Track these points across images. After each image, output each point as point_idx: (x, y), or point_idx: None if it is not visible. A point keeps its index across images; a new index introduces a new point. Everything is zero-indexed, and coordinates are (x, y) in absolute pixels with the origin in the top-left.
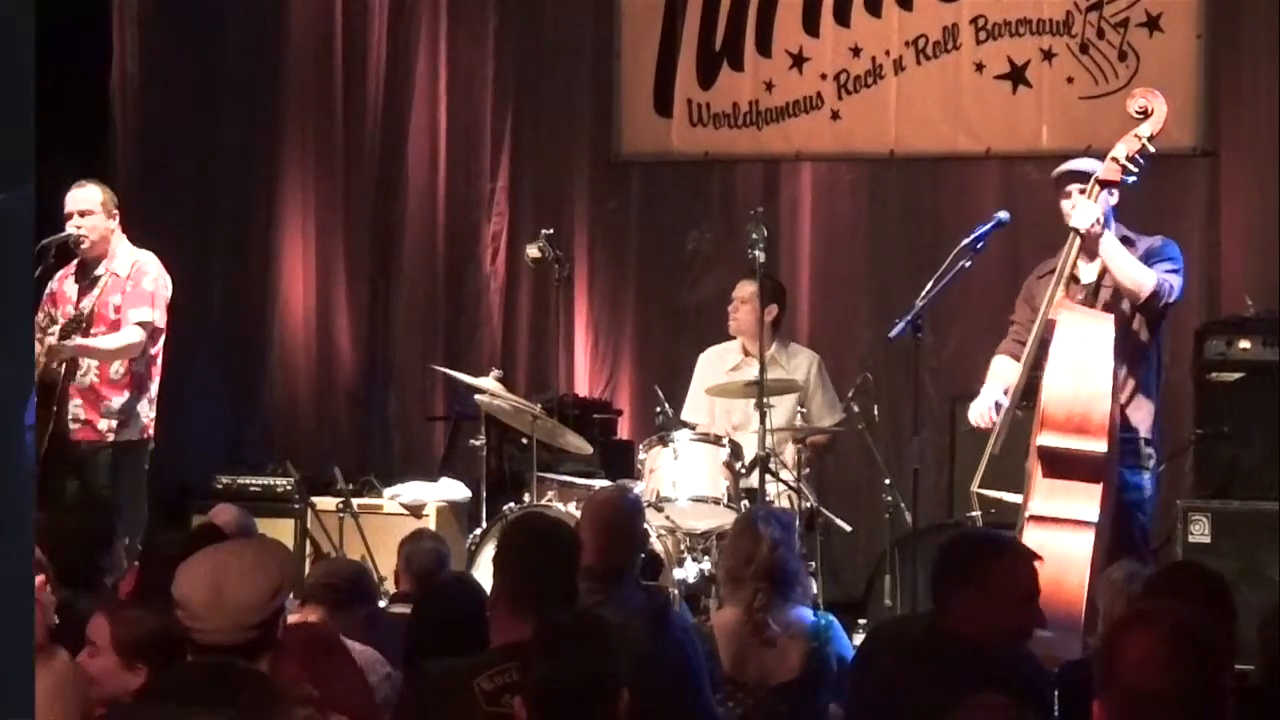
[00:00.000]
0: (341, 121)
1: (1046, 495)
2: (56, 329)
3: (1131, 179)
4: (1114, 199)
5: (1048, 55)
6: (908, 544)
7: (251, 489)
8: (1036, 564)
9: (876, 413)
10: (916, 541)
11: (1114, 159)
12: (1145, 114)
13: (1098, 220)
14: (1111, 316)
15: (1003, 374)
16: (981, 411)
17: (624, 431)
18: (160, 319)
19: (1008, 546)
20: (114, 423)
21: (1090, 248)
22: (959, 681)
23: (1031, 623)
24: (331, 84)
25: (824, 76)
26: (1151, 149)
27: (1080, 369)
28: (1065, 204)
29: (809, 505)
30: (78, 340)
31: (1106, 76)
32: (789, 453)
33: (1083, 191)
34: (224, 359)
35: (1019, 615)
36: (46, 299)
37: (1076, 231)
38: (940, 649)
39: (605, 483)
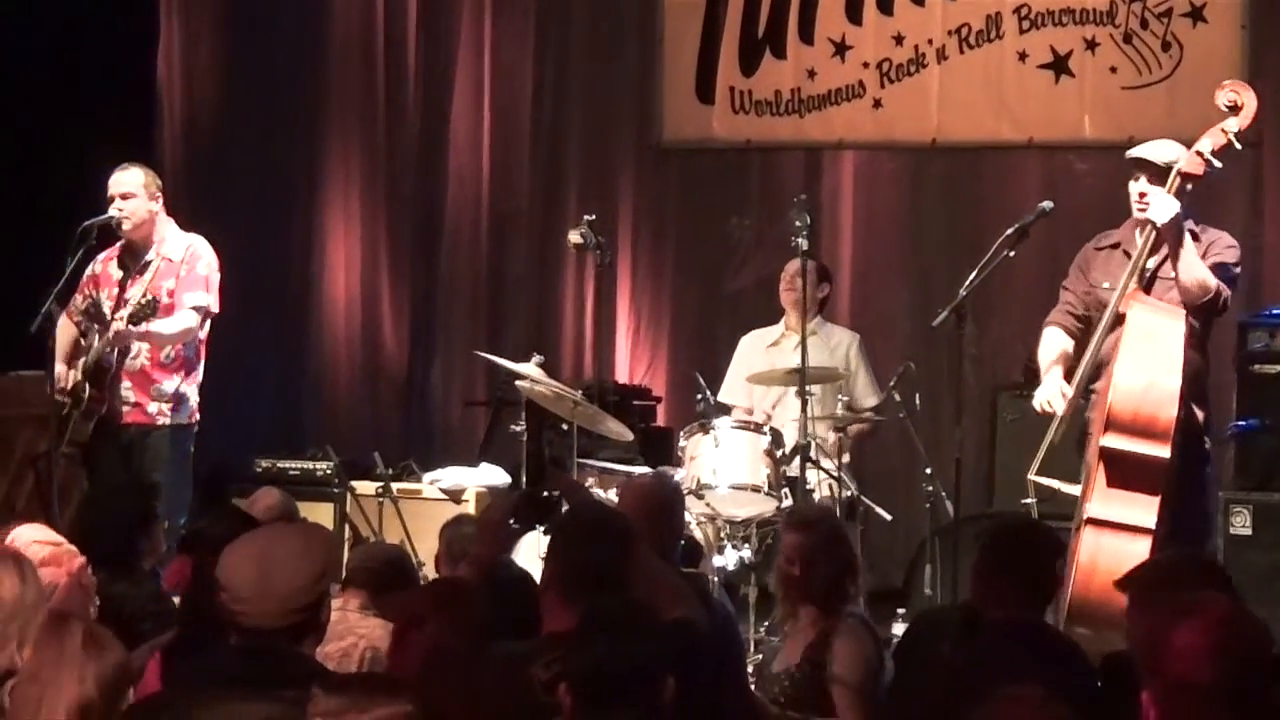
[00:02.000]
0: (384, 108)
1: (1106, 498)
2: (124, 313)
3: (1212, 173)
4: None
5: (1091, 45)
6: (948, 534)
7: (291, 472)
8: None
9: (918, 401)
10: (957, 531)
11: (1198, 152)
12: (1235, 109)
13: (1176, 215)
14: (1183, 312)
15: (1060, 353)
16: (1047, 399)
17: (663, 418)
18: (214, 303)
19: (1050, 536)
20: (164, 406)
21: (1162, 241)
22: (998, 671)
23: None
24: (374, 70)
25: (866, 65)
26: (1238, 145)
27: (1150, 368)
28: (1134, 185)
29: (849, 494)
30: (143, 326)
31: (1150, 67)
32: (829, 440)
33: (1152, 180)
34: (266, 342)
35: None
36: (87, 280)
37: (1153, 225)
38: (980, 638)
39: (645, 469)
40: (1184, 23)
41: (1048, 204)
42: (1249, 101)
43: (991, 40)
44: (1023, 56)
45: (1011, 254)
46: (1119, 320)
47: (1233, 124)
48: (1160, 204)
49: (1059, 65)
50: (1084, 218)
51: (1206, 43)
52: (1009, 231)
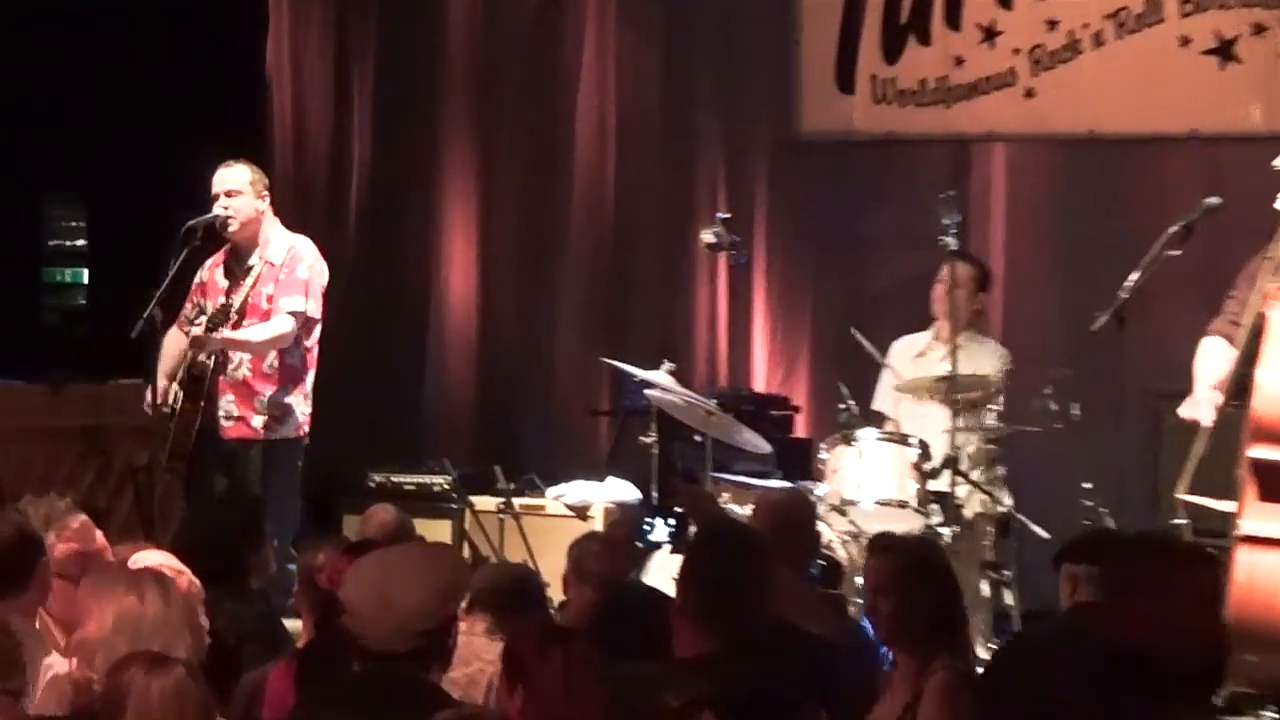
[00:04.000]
0: (505, 102)
1: (1259, 513)
2: (203, 320)
3: None
4: None
5: (1259, 29)
6: None
7: (406, 487)
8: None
9: (1075, 410)
10: None
11: None
12: None
13: None
14: None
15: (1214, 363)
16: (1193, 409)
17: (803, 429)
18: (315, 309)
19: (1184, 552)
20: (268, 418)
21: None
22: (1113, 691)
23: (1211, 637)
24: (494, 63)
25: (1017, 51)
26: None
27: None
28: None
29: (1003, 510)
30: (224, 333)
31: None
32: (979, 453)
33: None
34: (379, 350)
35: (1192, 626)
36: (196, 288)
37: None
38: (1101, 657)
39: (783, 483)
40: None
41: (1215, 200)
42: None
43: (1151, 25)
44: (1185, 42)
45: (1176, 253)
46: (1263, 323)
47: None
48: None
49: (1224, 51)
50: (1250, 214)
51: None
52: (1173, 229)
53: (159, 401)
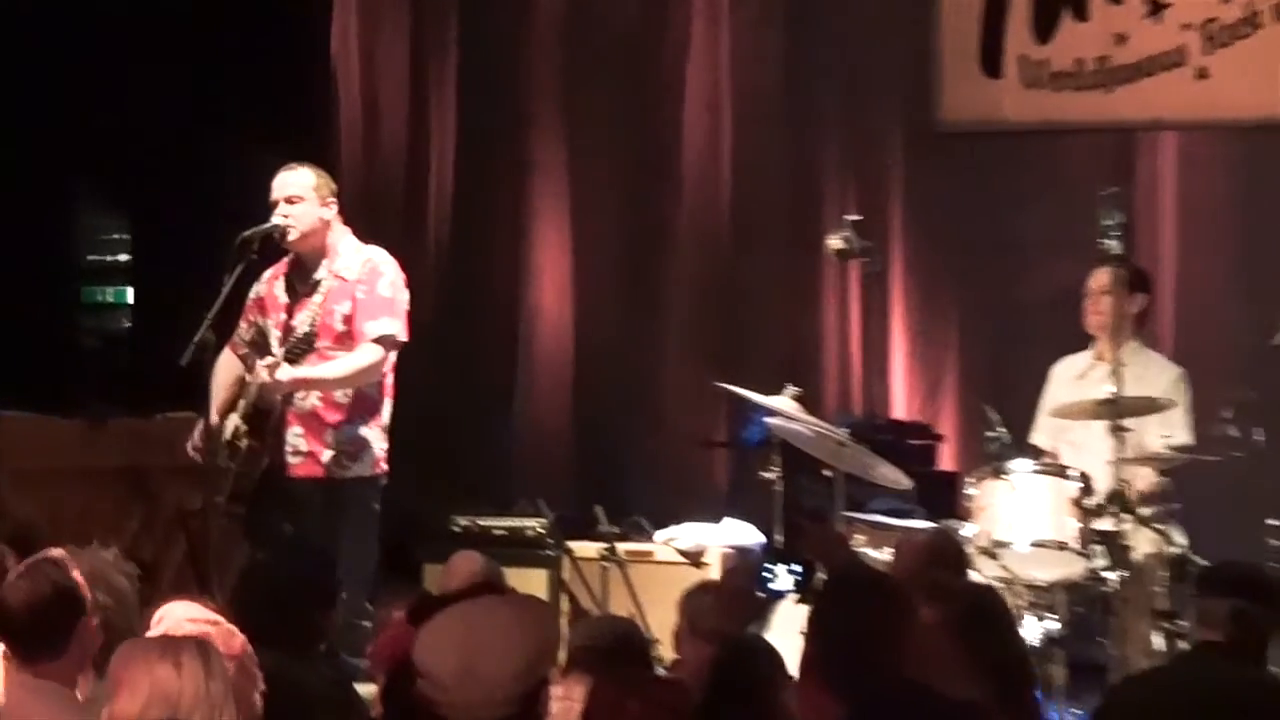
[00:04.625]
0: (603, 97)
1: None
2: (280, 351)
3: None
4: None
5: None
6: None
7: (496, 532)
8: None
9: (1259, 436)
10: None
11: None
12: None
13: None
14: None
15: None
16: None
17: (949, 461)
18: (402, 331)
19: None
20: (341, 455)
21: None
22: None
23: None
24: (589, 49)
25: (1187, 26)
26: None
27: None
28: None
29: (1176, 550)
30: (297, 372)
31: None
32: (1148, 486)
33: None
34: (462, 375)
35: None
36: (252, 304)
37: None
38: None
39: (926, 523)
40: None
41: None
42: None
43: None
44: None
45: None
46: None
47: None
48: None
49: None
50: None
51: None
52: None
53: (207, 442)
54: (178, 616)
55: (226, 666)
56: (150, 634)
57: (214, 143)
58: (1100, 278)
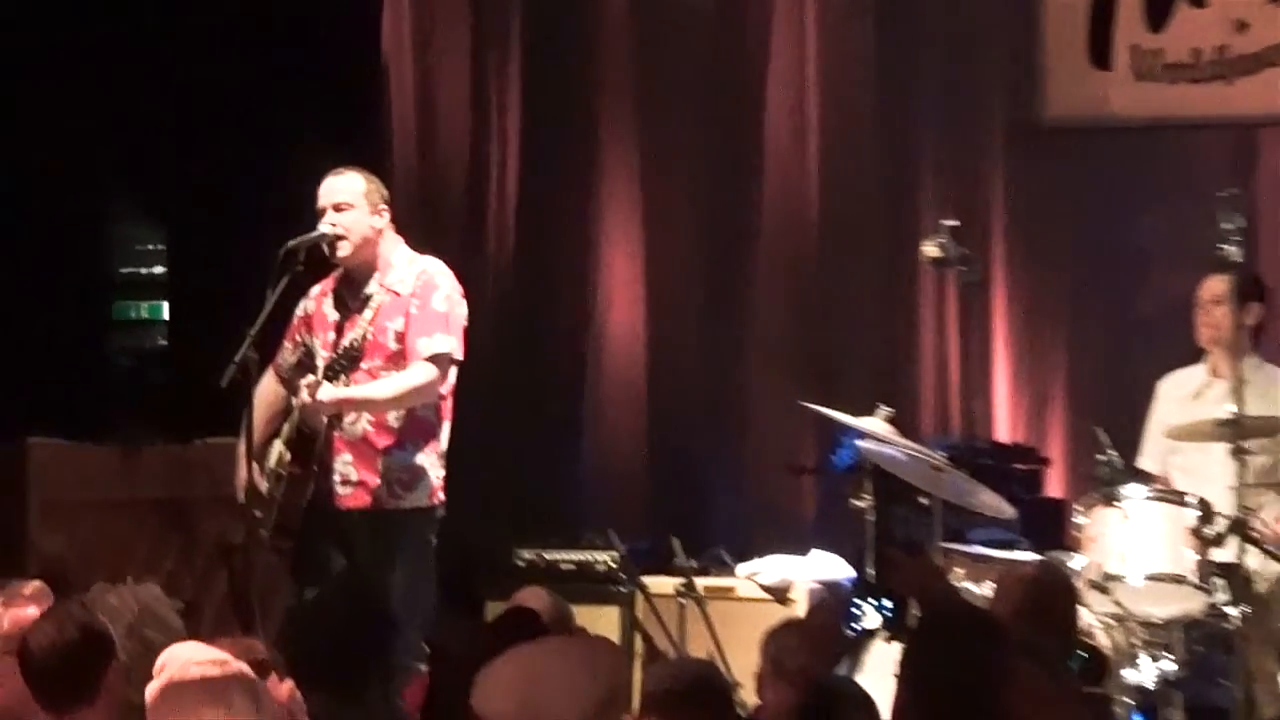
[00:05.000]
0: (678, 87)
1: None
2: (320, 368)
3: None
4: None
5: None
6: None
7: (563, 566)
8: None
9: None
10: None
11: None
12: None
13: None
14: None
15: None
16: None
17: (1056, 487)
18: (458, 349)
19: None
20: (394, 483)
21: None
22: None
23: None
24: (663, 40)
25: None
26: None
27: None
28: None
29: None
30: (342, 392)
31: None
32: (1271, 513)
33: None
34: (527, 396)
35: None
36: (298, 323)
37: None
38: None
39: (1031, 555)
40: None
41: None
42: None
43: None
44: None
45: None
46: None
47: None
48: None
49: None
50: None
51: None
52: None
53: (247, 479)
54: (183, 659)
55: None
56: (157, 681)
57: (255, 145)
58: (1212, 286)
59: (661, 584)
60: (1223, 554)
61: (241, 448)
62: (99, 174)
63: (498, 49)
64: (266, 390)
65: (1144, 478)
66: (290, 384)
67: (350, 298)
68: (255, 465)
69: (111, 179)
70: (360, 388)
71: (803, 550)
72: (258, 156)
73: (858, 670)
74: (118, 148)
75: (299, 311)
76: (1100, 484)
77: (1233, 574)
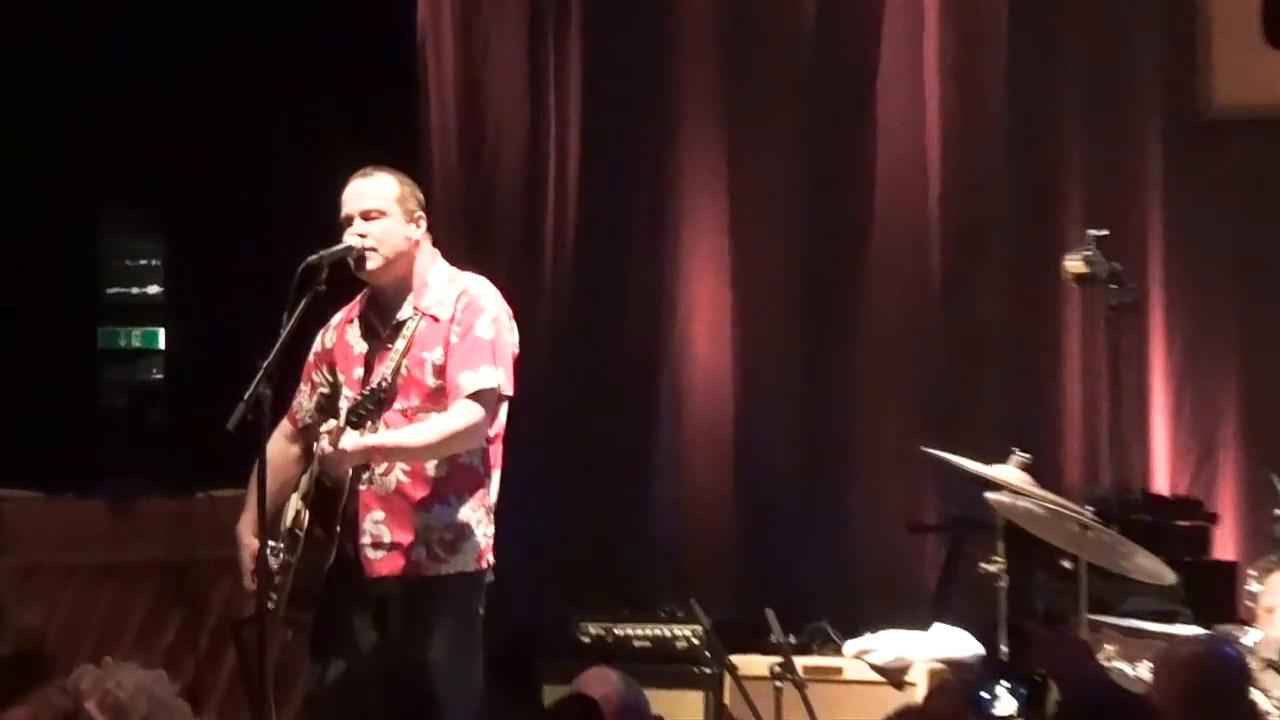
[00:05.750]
0: (770, 81)
1: None
2: (344, 411)
3: None
4: None
5: None
6: None
7: (637, 643)
8: None
9: None
10: None
11: None
12: None
13: None
14: None
15: None
16: None
17: (1227, 548)
18: (508, 383)
19: None
20: (435, 546)
21: None
22: None
23: None
24: (751, 23)
25: None
26: None
27: None
28: None
29: None
30: (371, 439)
31: None
32: None
33: None
34: (590, 440)
35: None
36: (316, 359)
37: None
38: None
39: (1195, 630)
40: None
41: None
42: None
43: None
44: None
45: None
46: None
47: None
48: None
49: None
50: None
51: None
52: None
53: (257, 556)
54: None
55: None
56: None
57: (268, 141)
58: None
59: (754, 664)
60: None
61: (250, 517)
62: (80, 172)
63: (555, 31)
64: (279, 449)
65: None
66: (310, 433)
67: (380, 325)
68: (267, 543)
69: (96, 178)
70: (392, 433)
71: (922, 624)
72: (272, 156)
73: None
74: (102, 139)
75: (316, 346)
76: (1277, 544)
77: None
